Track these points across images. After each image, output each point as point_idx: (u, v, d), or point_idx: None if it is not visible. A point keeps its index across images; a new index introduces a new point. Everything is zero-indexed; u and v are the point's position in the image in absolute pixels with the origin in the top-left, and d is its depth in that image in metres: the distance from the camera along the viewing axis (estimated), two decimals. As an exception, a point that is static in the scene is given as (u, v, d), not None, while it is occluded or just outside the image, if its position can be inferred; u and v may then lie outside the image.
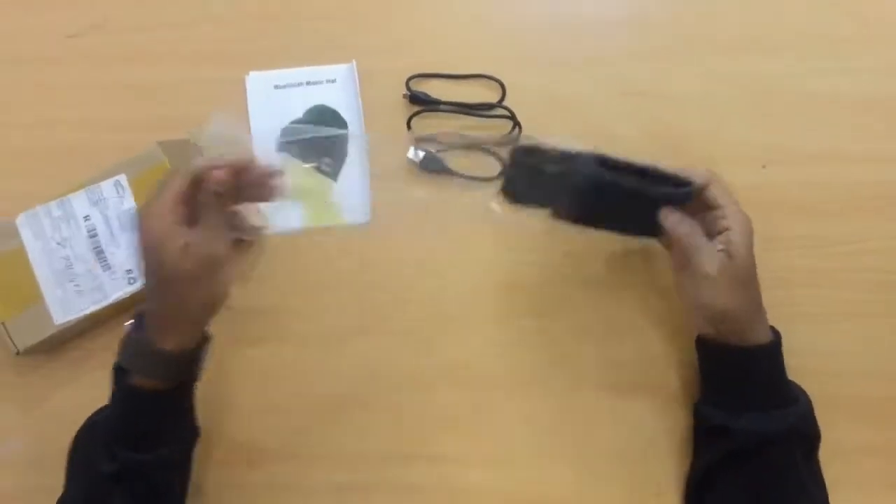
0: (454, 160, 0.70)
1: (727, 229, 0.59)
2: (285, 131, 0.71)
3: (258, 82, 0.71)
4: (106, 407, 0.60)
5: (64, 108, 0.71)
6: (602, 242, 0.69)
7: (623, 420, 0.67)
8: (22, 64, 0.72)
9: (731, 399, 0.61)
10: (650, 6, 0.72)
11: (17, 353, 0.64)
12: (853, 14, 0.71)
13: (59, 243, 0.65)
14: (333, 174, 0.71)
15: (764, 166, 0.69)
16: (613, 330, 0.68)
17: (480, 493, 0.66)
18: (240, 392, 0.67)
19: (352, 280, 0.69)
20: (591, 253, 0.69)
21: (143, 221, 0.54)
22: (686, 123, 0.70)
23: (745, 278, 0.59)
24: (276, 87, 0.71)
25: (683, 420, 0.66)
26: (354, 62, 0.71)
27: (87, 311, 0.65)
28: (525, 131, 0.70)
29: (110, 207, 0.65)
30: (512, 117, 0.70)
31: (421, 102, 0.70)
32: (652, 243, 0.64)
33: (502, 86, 0.71)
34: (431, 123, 0.71)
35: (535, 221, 0.67)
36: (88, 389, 0.67)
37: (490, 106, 0.71)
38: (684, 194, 0.60)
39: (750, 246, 0.59)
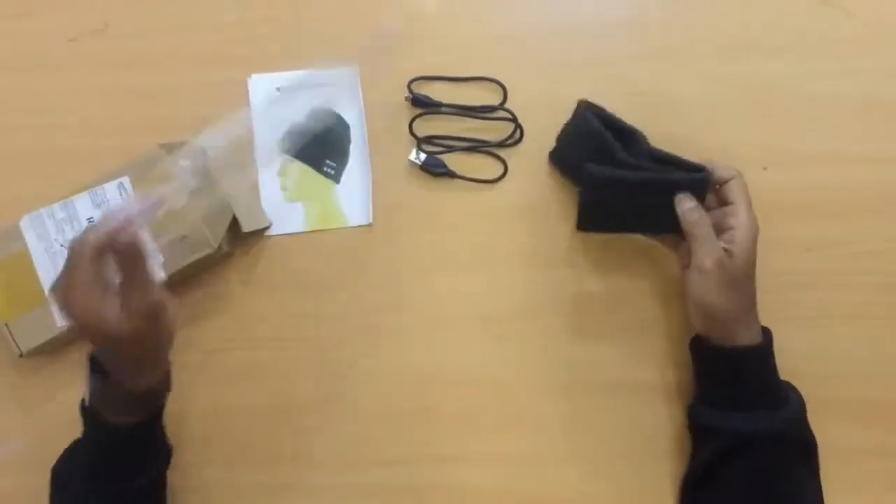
0: (456, 162, 0.70)
1: (733, 228, 0.60)
2: (287, 134, 0.71)
3: (260, 85, 0.71)
4: (79, 441, 0.60)
5: (67, 111, 0.72)
6: (604, 244, 0.69)
7: (624, 420, 0.67)
8: (24, 68, 0.73)
9: (722, 399, 0.61)
10: (651, 8, 0.72)
11: (21, 355, 0.64)
12: (853, 15, 0.71)
13: (62, 245, 0.65)
14: (335, 176, 0.71)
15: (765, 168, 0.69)
16: (614, 331, 0.68)
17: (481, 494, 0.66)
18: (241, 394, 0.68)
19: (354, 282, 0.69)
20: (593, 254, 0.69)
21: (69, 300, 0.50)
22: (687, 125, 0.70)
23: (741, 280, 0.60)
24: (279, 89, 0.71)
25: (683, 420, 0.66)
26: (357, 65, 0.71)
27: (90, 313, 0.65)
28: (527, 134, 0.70)
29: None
30: (513, 119, 0.70)
31: (423, 105, 0.71)
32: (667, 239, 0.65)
33: (504, 88, 0.71)
34: (433, 126, 0.71)
35: (536, 222, 0.68)
36: (91, 391, 0.67)
37: (492, 108, 0.71)
38: (698, 179, 0.61)
39: (752, 250, 0.60)
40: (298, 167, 0.71)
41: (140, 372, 0.56)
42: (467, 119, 0.71)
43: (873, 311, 0.68)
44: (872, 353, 0.67)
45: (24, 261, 0.65)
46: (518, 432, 0.67)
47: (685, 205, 0.60)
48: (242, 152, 0.70)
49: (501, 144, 0.71)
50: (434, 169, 0.70)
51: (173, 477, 0.64)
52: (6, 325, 0.64)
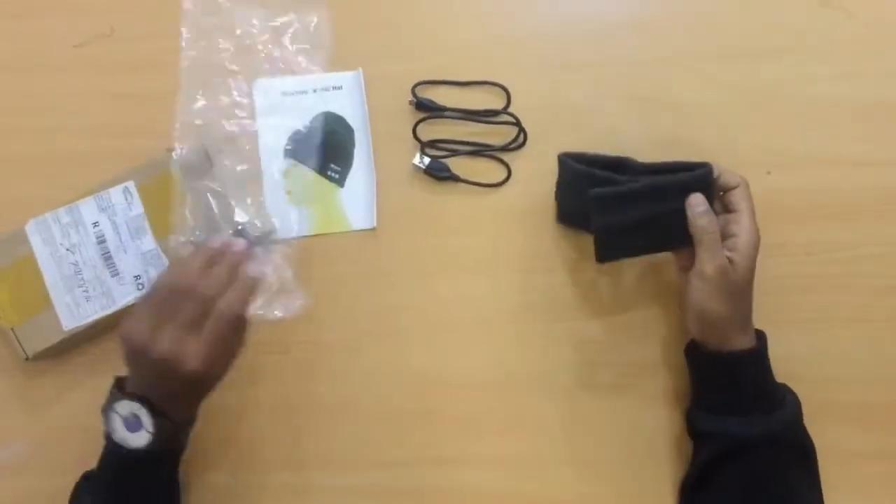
0: (460, 166, 0.71)
1: (736, 235, 0.60)
2: (292, 138, 0.71)
3: (265, 89, 0.71)
4: (93, 472, 0.61)
5: (72, 115, 0.72)
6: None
7: (624, 423, 0.67)
8: (29, 73, 0.73)
9: (717, 404, 0.62)
10: (654, 12, 0.73)
11: (27, 359, 0.65)
12: (854, 16, 0.71)
13: (67, 249, 0.65)
14: (340, 180, 0.71)
15: (769, 172, 0.69)
16: (615, 334, 0.69)
17: (482, 496, 0.67)
18: (244, 396, 0.68)
19: (357, 285, 0.69)
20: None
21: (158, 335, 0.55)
22: (690, 129, 0.70)
23: (738, 289, 0.60)
24: (283, 93, 0.72)
25: (683, 423, 0.66)
26: (361, 69, 0.71)
27: (96, 317, 0.65)
28: (530, 138, 0.71)
29: (118, 214, 0.66)
30: (517, 123, 0.71)
31: (426, 109, 0.71)
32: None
33: (507, 92, 0.71)
34: (437, 130, 0.71)
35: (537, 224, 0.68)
36: (96, 394, 0.66)
37: (495, 112, 0.71)
38: (703, 175, 0.61)
39: (752, 259, 0.60)
40: (303, 171, 0.71)
41: (186, 405, 0.60)
42: (471, 123, 0.71)
43: (874, 315, 0.68)
44: (873, 356, 0.68)
45: (29, 265, 0.65)
46: (519, 435, 0.68)
47: (696, 209, 0.60)
48: (247, 157, 0.70)
49: (505, 148, 0.71)
50: (438, 173, 0.70)
51: (176, 479, 0.64)
52: (12, 328, 0.64)
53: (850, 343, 0.68)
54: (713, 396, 0.62)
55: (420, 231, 0.70)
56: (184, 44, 0.71)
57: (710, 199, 0.61)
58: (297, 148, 0.71)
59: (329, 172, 0.71)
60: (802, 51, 0.71)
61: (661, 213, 0.61)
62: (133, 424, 0.57)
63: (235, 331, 0.59)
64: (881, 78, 0.71)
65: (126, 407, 0.57)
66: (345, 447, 0.68)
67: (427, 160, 0.70)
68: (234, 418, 0.67)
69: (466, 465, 0.67)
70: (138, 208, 0.66)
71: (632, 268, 0.69)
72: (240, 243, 0.62)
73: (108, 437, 0.58)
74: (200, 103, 0.70)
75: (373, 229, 0.70)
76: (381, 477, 0.67)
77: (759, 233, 0.60)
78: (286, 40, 0.72)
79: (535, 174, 0.70)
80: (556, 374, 0.68)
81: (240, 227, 0.67)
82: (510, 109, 0.71)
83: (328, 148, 0.71)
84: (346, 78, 0.72)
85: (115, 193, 0.66)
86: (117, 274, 0.65)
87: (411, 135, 0.71)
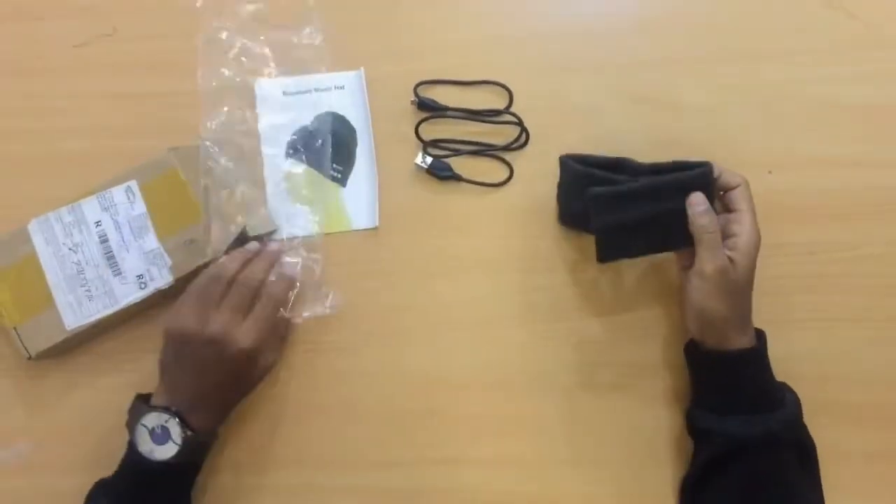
0: (462, 166, 0.71)
1: (736, 235, 0.60)
2: (294, 137, 0.71)
3: (267, 88, 0.72)
4: (109, 480, 0.62)
5: (74, 115, 0.72)
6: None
7: (625, 423, 0.67)
8: (31, 73, 0.73)
9: (717, 404, 0.62)
10: (656, 13, 0.73)
11: (29, 358, 0.65)
12: (856, 17, 0.72)
13: (70, 249, 0.65)
14: (342, 180, 0.71)
15: (770, 172, 0.69)
16: (617, 334, 0.69)
17: (483, 496, 0.67)
18: (250, 397, 0.68)
19: (358, 285, 0.69)
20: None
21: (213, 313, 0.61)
22: (692, 129, 0.71)
23: (739, 288, 0.60)
24: (285, 93, 0.72)
25: (684, 423, 0.66)
26: (363, 69, 0.72)
27: (98, 316, 0.65)
28: (532, 137, 0.71)
29: (121, 213, 0.66)
30: (519, 123, 0.71)
31: (429, 108, 0.71)
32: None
33: (509, 92, 0.71)
34: (439, 129, 0.71)
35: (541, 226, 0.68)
36: (99, 393, 0.68)
37: (497, 112, 0.71)
38: (702, 174, 0.61)
39: (753, 258, 0.60)
40: (305, 171, 0.71)
41: (220, 412, 0.63)
42: (473, 122, 0.71)
43: (874, 314, 0.68)
44: (873, 356, 0.68)
45: (32, 264, 0.65)
46: (520, 435, 0.68)
47: (697, 208, 0.60)
48: (249, 157, 0.71)
49: (507, 148, 0.71)
50: (440, 172, 0.70)
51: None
52: (14, 328, 0.64)
53: (851, 343, 0.68)
54: (713, 396, 0.62)
55: (422, 231, 0.70)
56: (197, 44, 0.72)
57: (711, 198, 0.61)
58: (299, 147, 0.71)
59: (331, 172, 0.71)
60: (804, 51, 0.72)
61: (661, 213, 0.61)
62: (160, 437, 0.59)
63: (279, 321, 0.65)
64: (883, 78, 0.71)
65: (155, 419, 0.59)
66: (346, 447, 0.68)
67: (429, 160, 0.70)
68: (237, 418, 0.67)
69: (468, 465, 0.67)
70: (140, 207, 0.66)
71: (632, 268, 0.70)
72: (274, 244, 0.68)
73: (131, 448, 0.59)
74: (204, 103, 0.71)
75: (375, 229, 0.70)
76: (382, 477, 0.67)
77: (760, 235, 0.60)
78: (288, 39, 0.72)
79: (537, 174, 0.70)
80: (557, 374, 0.68)
81: (241, 227, 0.67)
82: (512, 109, 0.71)
83: (330, 148, 0.71)
84: (349, 77, 0.72)
85: (118, 193, 0.66)
86: (120, 273, 0.65)
87: (413, 134, 0.71)
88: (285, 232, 0.70)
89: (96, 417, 0.66)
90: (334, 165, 0.71)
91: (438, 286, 0.69)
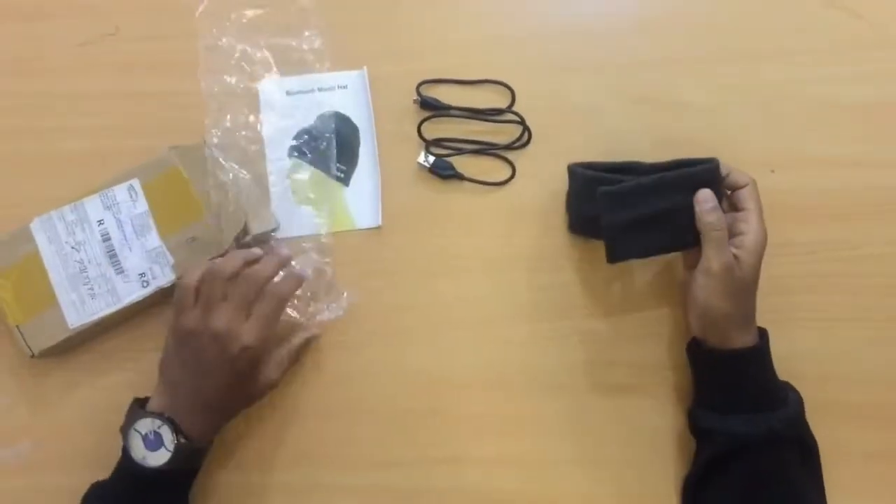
0: (464, 165, 0.71)
1: (743, 234, 0.60)
2: (297, 137, 0.71)
3: (270, 89, 0.72)
4: (104, 483, 0.61)
5: (77, 114, 0.72)
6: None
7: (628, 422, 0.67)
8: (34, 72, 0.73)
9: (719, 403, 0.62)
10: (658, 13, 0.73)
11: (32, 357, 0.65)
12: (859, 17, 0.72)
13: (73, 247, 0.65)
14: (345, 180, 0.71)
15: (773, 171, 0.69)
16: (619, 333, 0.69)
17: (485, 496, 0.67)
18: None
19: (361, 284, 0.69)
20: (599, 258, 0.69)
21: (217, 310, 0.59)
22: (694, 129, 0.71)
23: (744, 286, 0.60)
24: (288, 93, 0.72)
25: (686, 422, 0.66)
26: (365, 68, 0.72)
27: (101, 315, 0.65)
28: (535, 136, 0.71)
29: (123, 212, 0.66)
30: (522, 122, 0.71)
31: (431, 108, 0.71)
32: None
33: (512, 91, 0.71)
34: (441, 128, 0.71)
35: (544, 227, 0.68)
36: (101, 392, 0.68)
37: (500, 111, 0.71)
38: (710, 169, 0.61)
39: (759, 257, 0.60)
40: (308, 170, 0.71)
41: (216, 421, 0.62)
42: (475, 122, 0.71)
43: (876, 314, 0.68)
44: (874, 356, 0.68)
45: (34, 263, 0.65)
46: (523, 434, 0.68)
47: (705, 205, 0.60)
48: (253, 158, 0.71)
49: (509, 147, 0.71)
50: (442, 171, 0.70)
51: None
52: (17, 326, 0.64)
53: (852, 342, 0.68)
54: (715, 395, 0.63)
55: (424, 230, 0.70)
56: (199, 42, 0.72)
57: (718, 196, 0.61)
58: (302, 147, 0.71)
59: (334, 172, 0.71)
60: (808, 51, 0.72)
61: (669, 210, 0.61)
62: (153, 443, 0.58)
63: (291, 334, 0.66)
64: (886, 78, 0.71)
65: (148, 425, 0.59)
66: (349, 447, 0.68)
67: (432, 159, 0.70)
68: (239, 418, 0.67)
69: (470, 464, 0.67)
70: (143, 206, 0.66)
71: (635, 267, 0.70)
72: (285, 249, 0.67)
73: (125, 453, 0.59)
74: (208, 110, 0.71)
75: (378, 228, 0.70)
76: (384, 476, 0.67)
77: (766, 234, 0.60)
78: (291, 39, 0.72)
79: (540, 173, 0.70)
80: (559, 373, 0.68)
81: (242, 224, 0.67)
82: (514, 108, 0.71)
83: (333, 147, 0.71)
84: (351, 77, 0.72)
85: (120, 191, 0.66)
86: (122, 272, 0.66)
87: (416, 133, 0.71)
88: (290, 233, 0.70)
89: (98, 416, 0.66)
90: (337, 165, 0.71)
91: (441, 285, 0.70)
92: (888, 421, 0.67)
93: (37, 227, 0.65)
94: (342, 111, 0.72)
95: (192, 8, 0.72)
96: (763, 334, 0.62)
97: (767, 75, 0.72)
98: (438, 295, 0.69)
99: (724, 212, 0.61)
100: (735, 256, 0.59)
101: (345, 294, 0.69)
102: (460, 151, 0.71)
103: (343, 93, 0.72)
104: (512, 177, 0.71)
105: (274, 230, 0.69)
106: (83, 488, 0.61)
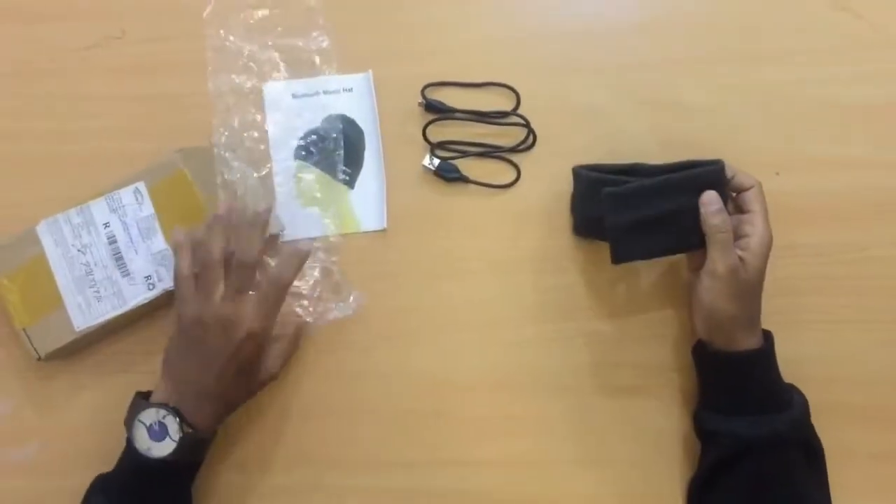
0: (469, 167, 0.71)
1: (748, 236, 0.60)
2: (303, 140, 0.71)
3: (275, 91, 0.72)
4: (109, 475, 0.62)
5: (83, 117, 0.72)
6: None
7: (632, 424, 0.67)
8: (40, 75, 0.73)
9: (725, 405, 0.62)
10: (662, 14, 0.73)
11: (39, 359, 0.65)
12: (863, 18, 0.72)
13: (79, 250, 0.66)
14: (350, 182, 0.71)
15: (777, 173, 0.69)
16: (623, 335, 0.69)
17: (488, 497, 0.67)
18: (256, 397, 0.68)
19: (368, 286, 0.70)
20: (604, 260, 0.69)
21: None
22: (698, 130, 0.71)
23: (749, 288, 0.60)
24: (294, 96, 0.72)
25: (691, 424, 0.66)
26: (371, 71, 0.72)
27: (107, 317, 0.65)
28: (539, 139, 0.71)
29: (129, 214, 0.66)
30: (526, 125, 0.71)
31: (436, 110, 0.71)
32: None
33: (517, 94, 0.71)
34: (446, 131, 0.71)
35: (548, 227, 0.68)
36: (108, 394, 0.68)
37: (505, 114, 0.71)
38: (715, 170, 0.61)
39: (764, 259, 0.60)
40: (313, 173, 0.71)
41: (218, 411, 0.62)
42: (480, 124, 0.71)
43: (882, 316, 0.68)
44: (881, 358, 0.68)
45: (41, 266, 0.65)
46: (527, 436, 0.68)
47: (710, 207, 0.60)
48: (259, 160, 0.71)
49: (514, 150, 0.71)
50: (447, 174, 0.70)
51: (188, 479, 0.64)
52: (24, 329, 0.65)
53: (859, 344, 0.68)
54: (720, 397, 0.63)
55: (429, 232, 0.70)
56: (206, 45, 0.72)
57: (723, 197, 0.61)
58: (307, 150, 0.71)
59: (339, 174, 0.71)
60: (812, 52, 0.72)
61: (674, 210, 0.61)
62: (158, 433, 0.58)
63: (293, 326, 0.66)
64: (887, 78, 0.71)
65: (152, 415, 0.59)
66: (353, 447, 0.68)
67: (436, 161, 0.70)
68: (243, 417, 0.67)
69: (475, 465, 0.67)
70: (149, 209, 0.66)
71: (641, 269, 0.70)
72: (264, 207, 0.65)
73: (129, 444, 0.59)
74: (215, 111, 0.71)
75: (383, 230, 0.70)
76: (388, 477, 0.67)
77: (772, 236, 0.60)
78: (298, 40, 0.72)
79: (545, 175, 0.70)
80: (563, 375, 0.68)
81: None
82: (519, 111, 0.71)
83: (338, 150, 0.71)
84: (357, 80, 0.72)
85: (126, 194, 0.66)
86: (128, 274, 0.66)
87: (421, 136, 0.71)
88: (297, 234, 0.70)
89: (104, 418, 0.66)
90: (343, 167, 0.71)
91: (446, 287, 0.70)
92: (894, 423, 0.67)
93: (43, 230, 0.65)
94: (347, 114, 0.72)
95: (198, 10, 0.73)
96: (768, 336, 0.62)
97: (768, 76, 0.71)
98: (443, 297, 0.69)
99: (730, 214, 0.61)
100: (740, 258, 0.59)
101: (353, 293, 0.69)
102: (465, 154, 0.71)
103: (348, 96, 0.72)
104: (517, 179, 0.71)
105: (280, 233, 0.70)
106: (88, 490, 0.62)
